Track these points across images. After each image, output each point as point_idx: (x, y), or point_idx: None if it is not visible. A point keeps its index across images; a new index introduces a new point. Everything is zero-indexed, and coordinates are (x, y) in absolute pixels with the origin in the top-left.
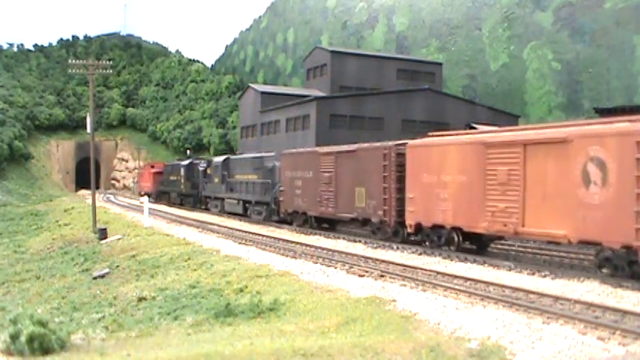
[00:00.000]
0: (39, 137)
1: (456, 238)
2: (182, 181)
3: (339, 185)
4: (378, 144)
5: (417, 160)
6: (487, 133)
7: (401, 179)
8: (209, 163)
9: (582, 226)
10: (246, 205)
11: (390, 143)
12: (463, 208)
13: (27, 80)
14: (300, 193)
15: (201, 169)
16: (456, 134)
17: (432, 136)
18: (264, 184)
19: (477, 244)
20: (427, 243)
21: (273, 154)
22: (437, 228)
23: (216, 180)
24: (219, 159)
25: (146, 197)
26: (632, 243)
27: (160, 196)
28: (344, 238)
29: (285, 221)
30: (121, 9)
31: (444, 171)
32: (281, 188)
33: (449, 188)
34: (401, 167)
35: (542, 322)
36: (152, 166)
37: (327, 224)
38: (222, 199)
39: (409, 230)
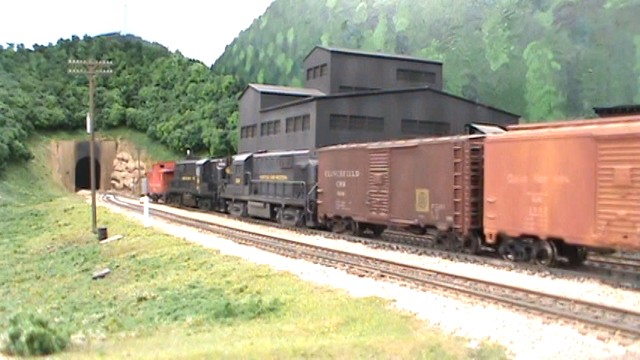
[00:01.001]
0: (39, 137)
1: (549, 251)
2: (197, 181)
3: (394, 186)
4: (447, 138)
5: (500, 157)
6: (597, 125)
7: (476, 180)
8: (229, 162)
9: None
10: (275, 208)
11: (463, 137)
12: (564, 215)
13: (27, 80)
14: (344, 196)
15: (219, 168)
16: (553, 126)
17: (518, 128)
18: (297, 186)
19: (570, 257)
20: (510, 256)
21: (306, 151)
22: (525, 238)
23: (238, 181)
24: (241, 157)
25: (146, 197)
26: None
27: (171, 197)
28: (344, 238)
29: (323, 227)
30: (121, 9)
31: (537, 170)
32: (319, 190)
33: (544, 191)
34: (476, 165)
35: (542, 322)
36: (162, 166)
37: (371, 230)
38: (245, 202)
39: (489, 240)
